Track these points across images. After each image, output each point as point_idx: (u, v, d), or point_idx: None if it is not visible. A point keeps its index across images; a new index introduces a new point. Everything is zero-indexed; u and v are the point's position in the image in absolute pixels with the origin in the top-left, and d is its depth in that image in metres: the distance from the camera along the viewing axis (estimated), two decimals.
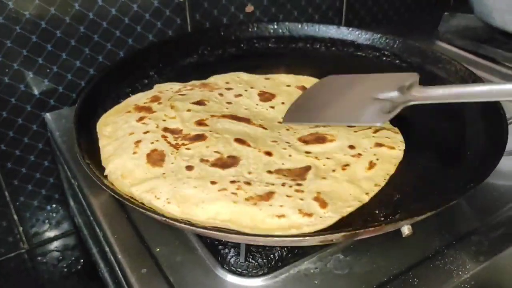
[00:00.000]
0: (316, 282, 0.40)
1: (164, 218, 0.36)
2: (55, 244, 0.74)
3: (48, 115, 0.63)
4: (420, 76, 0.49)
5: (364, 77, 0.54)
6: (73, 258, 0.72)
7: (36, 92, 0.64)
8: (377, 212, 0.40)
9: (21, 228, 0.71)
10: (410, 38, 0.65)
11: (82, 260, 0.71)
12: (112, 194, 0.39)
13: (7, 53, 0.60)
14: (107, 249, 0.45)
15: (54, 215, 0.73)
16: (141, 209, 0.37)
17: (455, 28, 0.81)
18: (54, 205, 0.72)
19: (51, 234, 0.74)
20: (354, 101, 0.50)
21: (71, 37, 0.64)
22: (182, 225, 0.35)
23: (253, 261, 0.40)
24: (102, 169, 0.45)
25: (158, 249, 0.43)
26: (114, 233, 0.44)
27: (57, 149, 0.58)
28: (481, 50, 0.75)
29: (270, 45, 0.68)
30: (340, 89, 0.53)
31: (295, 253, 0.42)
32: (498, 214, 0.46)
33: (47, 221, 0.73)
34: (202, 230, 0.35)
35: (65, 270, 0.70)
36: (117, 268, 0.43)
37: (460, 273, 0.40)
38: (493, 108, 0.49)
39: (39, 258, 0.72)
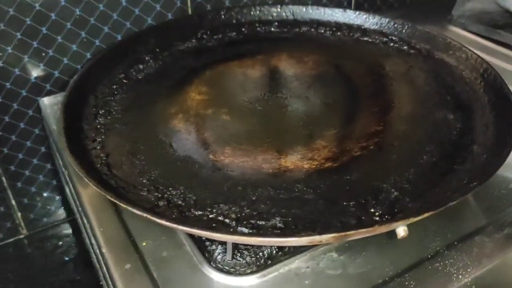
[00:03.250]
0: (307, 282, 0.38)
1: (145, 215, 0.34)
2: (54, 231, 0.73)
3: (43, 100, 0.62)
4: None
5: None
6: (69, 246, 0.71)
7: (31, 76, 0.63)
8: (372, 210, 0.38)
9: (19, 214, 0.71)
10: (422, 23, 0.62)
11: (77, 248, 0.70)
12: (96, 187, 0.37)
13: (1, 36, 0.59)
14: (93, 241, 0.44)
15: (52, 201, 0.72)
16: (124, 205, 0.36)
17: (470, 12, 0.77)
18: (52, 192, 0.72)
19: (49, 220, 0.73)
20: None
21: (66, 20, 0.61)
22: (163, 221, 0.34)
23: (241, 259, 0.39)
24: (90, 159, 0.43)
25: (144, 243, 0.41)
26: (100, 225, 0.43)
27: (51, 135, 0.57)
28: (496, 36, 0.71)
29: (272, 29, 0.66)
30: None
31: (285, 251, 0.40)
32: (505, 213, 0.43)
33: (45, 207, 0.72)
34: (184, 228, 0.33)
35: (62, 257, 0.69)
36: (102, 262, 0.42)
37: (460, 276, 0.37)
38: (504, 100, 0.46)
39: (37, 244, 0.71)
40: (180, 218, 0.36)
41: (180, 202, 0.39)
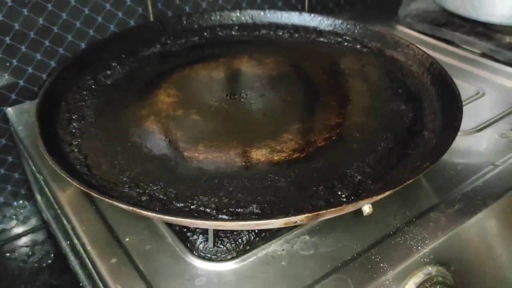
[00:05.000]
0: (283, 263, 0.41)
1: (131, 208, 0.36)
2: (24, 240, 0.73)
3: (9, 110, 0.62)
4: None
5: None
6: (42, 253, 0.71)
7: None
8: (339, 193, 0.41)
9: None
10: (372, 23, 0.67)
11: (52, 254, 0.70)
12: (78, 186, 0.39)
13: None
14: (76, 241, 0.45)
15: (22, 210, 0.72)
16: (108, 199, 0.38)
17: (415, 12, 0.83)
18: (21, 201, 0.72)
19: (19, 230, 0.73)
20: None
21: (30, 29, 0.62)
22: (149, 213, 0.36)
23: (222, 246, 0.41)
24: (69, 162, 0.45)
25: (127, 239, 0.43)
26: (82, 225, 0.45)
27: (21, 143, 0.57)
28: (439, 33, 0.77)
29: (233, 32, 0.69)
30: None
31: (262, 237, 0.43)
32: (455, 191, 0.48)
33: (14, 217, 0.72)
34: (169, 217, 0.36)
35: (36, 265, 0.69)
36: (87, 260, 0.43)
37: (419, 247, 0.42)
38: (448, 90, 0.51)
39: (8, 254, 0.71)
40: (163, 211, 0.39)
41: (161, 196, 0.41)
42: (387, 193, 0.37)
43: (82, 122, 0.50)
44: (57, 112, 0.51)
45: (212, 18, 0.69)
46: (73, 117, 0.51)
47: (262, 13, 0.70)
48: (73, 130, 0.49)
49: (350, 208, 0.37)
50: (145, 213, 0.36)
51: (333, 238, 0.43)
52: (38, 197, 0.66)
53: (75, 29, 0.66)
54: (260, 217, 0.38)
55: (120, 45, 0.63)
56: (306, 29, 0.68)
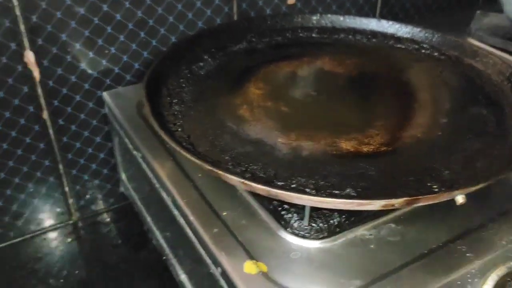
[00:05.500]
0: (372, 246, 0.44)
1: (242, 180, 0.40)
2: (103, 216, 0.78)
3: (105, 93, 0.68)
4: None
5: None
6: (118, 230, 0.76)
7: (94, 71, 0.68)
8: (429, 184, 0.44)
9: (71, 200, 0.76)
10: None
11: (128, 233, 0.75)
12: (192, 159, 0.43)
13: (70, 34, 0.64)
14: (175, 212, 0.49)
15: (102, 189, 0.78)
16: (221, 172, 0.41)
17: (486, 26, 0.85)
18: (103, 180, 0.77)
19: (99, 206, 0.78)
20: None
21: (129, 21, 0.68)
22: (260, 186, 0.39)
23: (315, 225, 0.44)
24: (176, 139, 0.49)
25: (225, 213, 0.47)
26: (183, 198, 0.49)
27: (117, 123, 0.62)
28: (510, 47, 0.79)
29: (313, 35, 0.72)
30: None
31: (351, 221, 0.46)
32: None
33: (95, 194, 0.77)
34: (280, 191, 0.39)
35: (112, 241, 0.74)
36: (187, 230, 0.47)
37: (504, 242, 0.44)
38: None
39: (88, 229, 0.76)
40: (273, 186, 0.42)
41: (262, 175, 0.45)
42: (481, 185, 0.40)
43: (182, 106, 0.55)
44: (159, 95, 0.55)
45: (294, 20, 0.73)
46: (174, 101, 0.55)
47: (341, 18, 0.73)
48: (175, 112, 0.53)
49: (446, 196, 0.39)
50: (256, 186, 0.39)
51: (418, 228, 0.46)
52: (123, 176, 0.71)
53: (168, 23, 0.71)
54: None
55: (210, 40, 0.67)
56: (384, 35, 0.71)
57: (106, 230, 0.76)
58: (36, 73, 0.64)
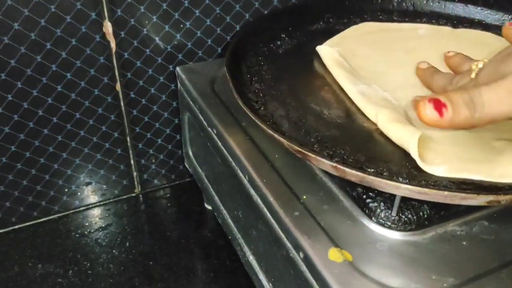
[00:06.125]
0: (464, 243, 0.41)
1: (334, 165, 0.38)
2: (165, 191, 0.78)
3: (178, 68, 0.67)
4: None
5: None
6: (179, 207, 0.76)
7: (168, 45, 0.68)
8: None
9: (135, 173, 0.76)
10: None
11: (188, 210, 0.75)
12: (280, 138, 0.41)
13: (148, 5, 0.64)
14: (252, 192, 0.48)
15: (165, 165, 0.78)
16: (312, 154, 0.39)
17: None
18: (166, 156, 0.77)
19: (161, 181, 0.79)
20: None
21: None
22: (355, 171, 0.37)
23: (403, 216, 0.42)
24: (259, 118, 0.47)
25: (304, 197, 0.45)
26: (261, 178, 0.47)
27: (190, 99, 0.62)
28: None
29: (394, 18, 0.69)
30: None
31: (441, 215, 0.43)
32: None
33: (158, 169, 0.78)
34: (371, 177, 0.37)
35: (173, 217, 0.74)
36: (265, 211, 0.46)
37: None
38: None
39: (150, 202, 0.77)
40: (367, 172, 0.40)
41: (351, 160, 0.43)
42: None
43: (263, 84, 0.53)
44: (240, 72, 0.54)
45: (374, 2, 0.70)
46: (254, 79, 0.54)
47: (424, 1, 0.69)
48: (256, 90, 0.52)
49: None
50: (350, 171, 0.37)
51: None
52: (190, 152, 0.71)
53: (243, 0, 0.69)
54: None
55: (287, 19, 0.65)
56: (471, 22, 0.67)
57: (167, 205, 0.76)
58: (113, 44, 0.64)
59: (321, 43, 0.61)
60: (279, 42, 0.62)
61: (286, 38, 0.63)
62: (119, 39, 0.64)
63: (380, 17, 0.69)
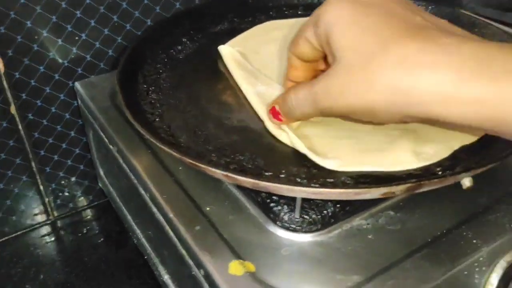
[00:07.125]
0: (370, 236, 0.40)
1: (226, 173, 0.36)
2: (83, 214, 0.74)
3: (77, 83, 0.63)
4: None
5: None
6: (98, 228, 0.72)
7: (64, 60, 0.63)
8: (431, 168, 0.40)
9: (47, 199, 0.71)
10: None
11: (109, 231, 0.71)
12: (170, 152, 0.39)
13: (35, 20, 0.59)
14: (154, 210, 0.45)
15: (80, 186, 0.73)
16: (203, 165, 0.37)
17: None
18: (79, 176, 0.72)
19: (76, 204, 0.74)
20: None
21: (100, 4, 0.63)
22: (246, 179, 0.35)
23: (307, 217, 0.41)
24: (154, 131, 0.45)
25: (208, 208, 0.43)
26: (162, 193, 0.44)
27: (91, 115, 0.58)
28: (504, 18, 0.75)
29: (299, 12, 0.68)
30: None
31: (346, 210, 0.42)
32: None
33: (73, 192, 0.73)
34: (267, 184, 0.35)
35: (92, 240, 0.70)
36: (167, 228, 0.43)
37: None
38: None
39: (65, 228, 0.72)
40: (261, 177, 0.38)
41: (250, 166, 0.41)
42: (489, 166, 0.36)
43: (160, 93, 0.50)
44: (135, 82, 0.51)
45: None
46: (150, 89, 0.51)
47: None
48: (152, 101, 0.49)
49: (451, 180, 0.36)
50: (241, 178, 0.35)
51: (419, 215, 0.42)
52: (101, 171, 0.67)
53: (142, 5, 0.66)
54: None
55: (188, 21, 0.62)
56: None
57: (86, 229, 0.72)
58: (0, 65, 0.59)
59: (224, 43, 0.59)
60: (179, 47, 0.59)
61: (188, 42, 0.60)
62: (7, 59, 0.59)
63: (286, 12, 0.68)
